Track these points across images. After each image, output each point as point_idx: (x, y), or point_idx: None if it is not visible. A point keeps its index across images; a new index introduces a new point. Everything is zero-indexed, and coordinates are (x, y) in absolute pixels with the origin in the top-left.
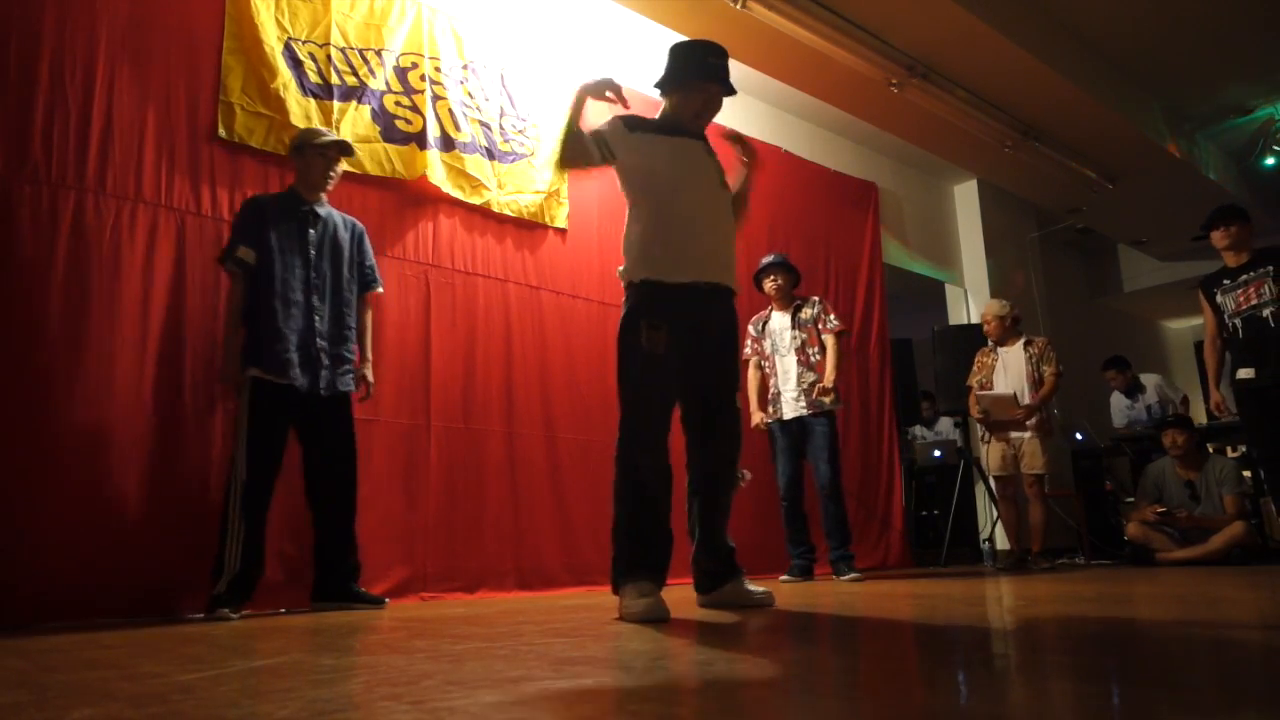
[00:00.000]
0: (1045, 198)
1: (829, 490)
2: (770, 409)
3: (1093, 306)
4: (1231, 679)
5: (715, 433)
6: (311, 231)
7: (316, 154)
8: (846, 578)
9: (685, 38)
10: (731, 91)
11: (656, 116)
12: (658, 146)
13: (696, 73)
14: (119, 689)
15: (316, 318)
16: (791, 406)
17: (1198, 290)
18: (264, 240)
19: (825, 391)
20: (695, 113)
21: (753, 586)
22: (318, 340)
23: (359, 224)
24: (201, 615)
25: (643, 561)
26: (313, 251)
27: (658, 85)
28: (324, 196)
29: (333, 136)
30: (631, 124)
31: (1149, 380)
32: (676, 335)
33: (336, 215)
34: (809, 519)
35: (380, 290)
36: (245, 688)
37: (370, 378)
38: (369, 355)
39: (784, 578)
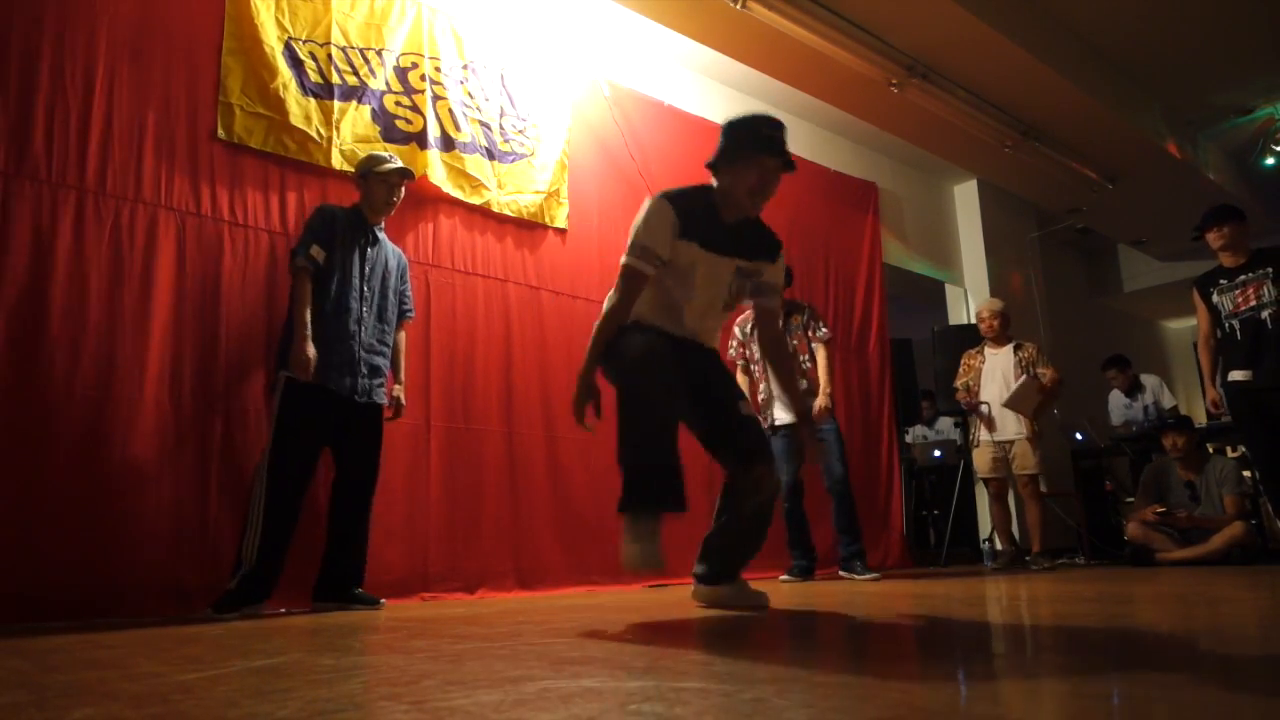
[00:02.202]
0: (1045, 198)
1: (842, 488)
2: (763, 417)
3: (1093, 306)
4: (1230, 679)
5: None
6: (370, 250)
7: (379, 180)
8: (864, 577)
9: (684, 36)
10: (790, 168)
11: (710, 191)
12: (695, 259)
13: (750, 145)
14: (119, 689)
15: (361, 326)
16: (786, 413)
17: (1192, 288)
18: (331, 246)
19: (824, 412)
20: (750, 190)
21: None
22: (358, 347)
23: (404, 256)
24: (201, 616)
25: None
26: (367, 268)
27: (710, 165)
28: (384, 222)
29: (395, 164)
30: (681, 225)
31: (1149, 380)
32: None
33: (389, 245)
34: (807, 520)
35: (412, 317)
36: (245, 688)
37: (404, 400)
38: (402, 379)
39: (784, 577)
